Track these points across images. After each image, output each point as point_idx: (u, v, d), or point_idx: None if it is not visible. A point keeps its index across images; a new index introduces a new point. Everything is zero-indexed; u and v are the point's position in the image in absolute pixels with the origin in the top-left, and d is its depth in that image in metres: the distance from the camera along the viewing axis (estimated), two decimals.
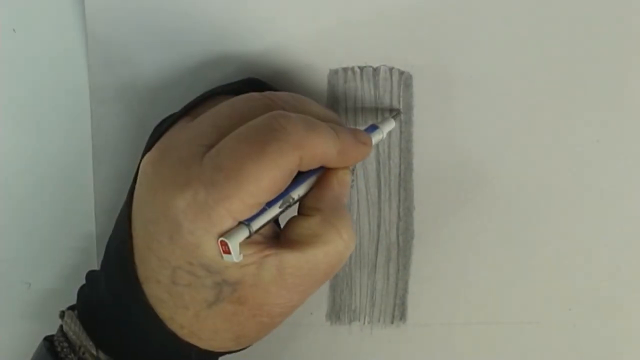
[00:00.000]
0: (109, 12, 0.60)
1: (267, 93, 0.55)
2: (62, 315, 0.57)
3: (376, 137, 0.57)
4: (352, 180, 0.62)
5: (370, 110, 0.62)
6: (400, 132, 0.62)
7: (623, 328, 0.66)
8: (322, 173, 0.54)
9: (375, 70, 0.61)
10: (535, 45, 0.61)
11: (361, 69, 0.61)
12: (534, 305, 0.66)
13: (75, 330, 0.56)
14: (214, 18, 0.60)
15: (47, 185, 0.64)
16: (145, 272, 0.52)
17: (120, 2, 0.60)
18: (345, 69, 0.61)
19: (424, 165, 0.63)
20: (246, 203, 0.49)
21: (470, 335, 0.66)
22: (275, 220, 0.52)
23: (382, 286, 0.66)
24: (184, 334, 0.53)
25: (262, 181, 0.48)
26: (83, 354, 0.55)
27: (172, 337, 0.53)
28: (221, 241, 0.48)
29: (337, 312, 0.66)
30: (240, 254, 0.48)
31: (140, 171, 0.53)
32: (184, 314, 0.52)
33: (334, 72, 0.61)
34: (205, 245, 0.49)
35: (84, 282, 0.58)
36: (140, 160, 0.54)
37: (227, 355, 0.56)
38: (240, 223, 0.49)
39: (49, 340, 0.57)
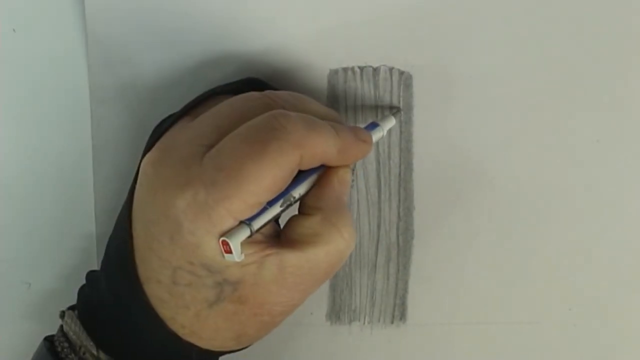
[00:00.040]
0: (109, 12, 0.60)
1: (267, 92, 0.55)
2: (62, 315, 0.57)
3: (376, 135, 0.57)
4: (352, 180, 0.62)
5: (370, 109, 0.62)
6: (400, 132, 0.62)
7: (623, 328, 0.66)
8: (323, 172, 0.54)
9: (375, 70, 0.61)
10: (535, 45, 0.61)
11: (361, 69, 0.61)
12: (534, 305, 0.66)
13: (75, 330, 0.56)
14: (214, 18, 0.60)
15: (47, 185, 0.64)
16: (145, 272, 0.52)
17: (120, 2, 0.60)
18: (345, 69, 0.61)
19: (424, 165, 0.63)
20: (247, 203, 0.49)
21: (470, 335, 0.66)
22: (275, 219, 0.52)
23: (382, 286, 0.66)
24: (185, 333, 0.53)
25: (262, 181, 0.48)
26: (83, 354, 0.55)
27: (173, 337, 0.53)
28: (222, 241, 0.48)
29: (337, 312, 0.66)
30: (241, 253, 0.48)
31: (140, 171, 0.53)
32: (184, 313, 0.52)
33: (334, 72, 0.61)
34: (206, 245, 0.49)
35: (84, 282, 0.58)
36: (141, 161, 0.54)
37: (228, 355, 0.56)
38: (241, 222, 0.49)
39: (49, 340, 0.57)
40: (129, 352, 0.55)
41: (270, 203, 0.50)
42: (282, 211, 0.51)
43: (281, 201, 0.51)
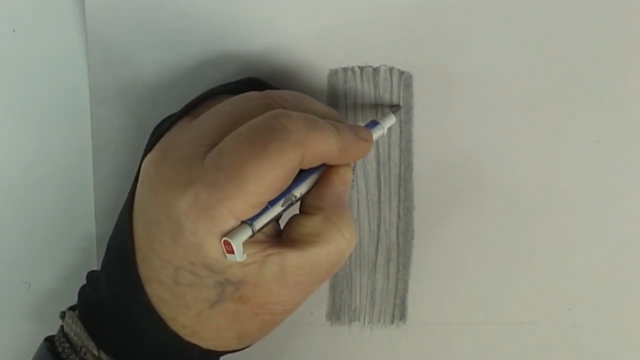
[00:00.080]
0: (109, 12, 0.60)
1: (267, 92, 0.55)
2: (62, 315, 0.57)
3: (377, 133, 0.57)
4: (352, 180, 0.62)
5: (370, 108, 0.62)
6: (400, 132, 0.62)
7: (623, 328, 0.66)
8: (324, 171, 0.54)
9: (375, 70, 0.61)
10: (535, 45, 0.61)
11: (361, 69, 0.61)
12: (534, 305, 0.66)
13: (76, 331, 0.56)
14: (214, 18, 0.60)
15: (47, 186, 0.64)
16: (147, 272, 0.52)
17: (120, 2, 0.60)
18: (345, 69, 0.61)
19: (424, 165, 0.63)
20: (248, 203, 0.49)
21: (470, 335, 0.66)
22: (277, 219, 0.52)
23: (382, 286, 0.66)
24: (186, 333, 0.53)
25: (264, 180, 0.48)
26: (84, 354, 0.55)
27: (174, 337, 0.53)
28: (224, 241, 0.48)
29: (337, 312, 0.66)
30: (243, 253, 0.49)
31: (141, 171, 0.53)
32: (186, 313, 0.52)
33: (334, 72, 0.61)
34: (207, 245, 0.49)
35: (84, 282, 0.58)
36: (141, 161, 0.54)
37: (228, 355, 0.56)
38: (243, 222, 0.49)
39: (49, 340, 0.57)
40: (130, 352, 0.55)
41: (272, 203, 0.50)
42: (284, 211, 0.51)
43: (282, 201, 0.51)
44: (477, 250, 0.65)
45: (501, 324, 0.66)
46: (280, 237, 0.53)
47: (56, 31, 0.62)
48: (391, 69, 0.61)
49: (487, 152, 0.63)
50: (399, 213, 0.64)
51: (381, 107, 0.62)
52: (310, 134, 0.50)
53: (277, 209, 0.51)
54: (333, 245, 0.52)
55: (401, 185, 0.64)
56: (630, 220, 0.64)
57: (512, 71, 0.61)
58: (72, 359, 0.55)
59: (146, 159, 0.53)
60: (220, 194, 0.48)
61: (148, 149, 0.55)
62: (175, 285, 0.51)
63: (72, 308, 0.58)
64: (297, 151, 0.49)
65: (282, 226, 0.54)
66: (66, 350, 0.55)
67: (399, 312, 0.66)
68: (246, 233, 0.49)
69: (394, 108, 0.61)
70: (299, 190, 0.52)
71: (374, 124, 0.58)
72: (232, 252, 0.48)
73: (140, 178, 0.53)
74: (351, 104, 0.62)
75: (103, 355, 0.55)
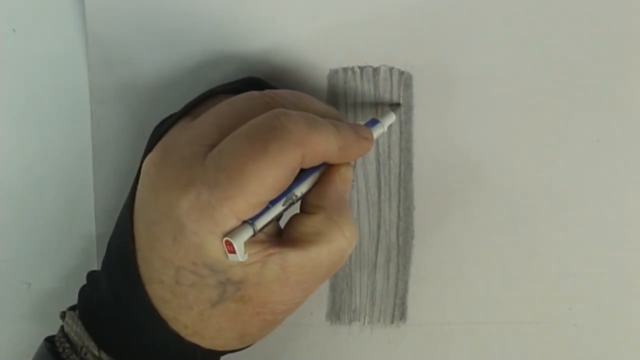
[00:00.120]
0: (109, 12, 0.60)
1: (267, 91, 0.55)
2: (62, 315, 0.57)
3: (377, 132, 0.57)
4: (353, 180, 0.62)
5: (370, 108, 0.62)
6: (400, 132, 0.62)
7: (623, 328, 0.66)
8: (324, 170, 0.54)
9: (375, 70, 0.61)
10: (535, 45, 0.61)
11: (361, 69, 0.61)
12: (534, 305, 0.66)
13: (76, 331, 0.56)
14: (214, 18, 0.60)
15: (47, 186, 0.64)
16: (148, 272, 0.52)
17: (120, 2, 0.60)
18: (345, 69, 0.61)
19: (424, 165, 0.63)
20: (249, 202, 0.49)
21: (470, 335, 0.66)
22: (278, 218, 0.52)
23: (382, 286, 0.66)
24: (188, 333, 0.53)
25: (264, 180, 0.49)
26: (85, 354, 0.55)
27: (175, 337, 0.53)
28: (226, 241, 0.48)
29: (337, 312, 0.66)
30: (245, 253, 0.49)
31: (142, 172, 0.53)
32: (187, 313, 0.52)
33: (334, 72, 0.61)
34: (209, 245, 0.49)
35: (84, 282, 0.58)
36: (141, 161, 0.54)
37: (228, 355, 0.56)
38: (244, 222, 0.49)
39: (50, 340, 0.57)
40: (131, 352, 0.55)
41: (273, 202, 0.50)
42: (285, 210, 0.51)
43: (283, 200, 0.51)
44: (477, 250, 0.65)
45: (501, 324, 0.66)
46: (281, 236, 0.53)
47: (56, 31, 0.62)
48: (391, 69, 0.61)
49: (487, 152, 0.63)
50: (399, 213, 0.64)
51: (381, 106, 0.62)
52: (310, 133, 0.50)
53: (278, 208, 0.51)
54: (334, 245, 0.52)
55: (401, 185, 0.64)
56: (630, 220, 0.64)
57: (512, 71, 0.61)
58: (73, 359, 0.55)
59: (147, 159, 0.53)
60: (222, 194, 0.48)
61: (148, 149, 0.55)
62: (177, 285, 0.51)
63: (72, 308, 0.58)
64: (297, 150, 0.49)
65: (282, 225, 0.54)
66: (67, 351, 0.55)
67: (399, 312, 0.66)
68: (247, 233, 0.49)
69: (394, 106, 0.61)
70: (300, 190, 0.52)
71: (374, 122, 0.58)
72: (233, 252, 0.48)
73: (140, 178, 0.53)
74: (351, 104, 0.62)
75: (104, 355, 0.55)
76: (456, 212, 0.64)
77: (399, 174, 0.63)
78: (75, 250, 0.65)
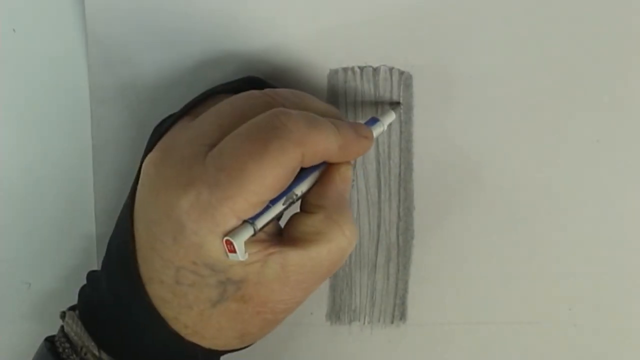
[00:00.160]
0: (109, 12, 0.60)
1: (267, 90, 0.55)
2: (62, 315, 0.57)
3: (377, 130, 0.57)
4: (352, 180, 0.62)
5: (370, 108, 0.62)
6: (400, 132, 0.62)
7: (623, 328, 0.66)
8: (324, 169, 0.54)
9: (375, 70, 0.61)
10: (535, 45, 0.61)
11: (361, 69, 0.61)
12: (534, 305, 0.66)
13: (76, 331, 0.56)
14: (214, 18, 0.60)
15: (47, 186, 0.64)
16: (148, 272, 0.52)
17: (120, 2, 0.60)
18: (345, 69, 0.61)
19: (424, 165, 0.63)
20: (250, 202, 0.49)
21: (470, 335, 0.66)
22: (278, 217, 0.52)
23: (382, 286, 0.66)
24: (188, 333, 0.53)
25: (265, 180, 0.49)
26: (85, 354, 0.55)
27: (175, 337, 0.53)
28: (226, 240, 0.48)
29: (337, 312, 0.66)
30: (245, 252, 0.49)
31: (142, 172, 0.53)
32: (188, 313, 0.52)
33: (334, 72, 0.61)
34: (209, 245, 0.49)
35: (84, 282, 0.58)
36: (141, 161, 0.54)
37: (228, 355, 0.56)
38: (245, 222, 0.49)
39: (50, 340, 0.57)
40: (131, 352, 0.55)
41: (273, 201, 0.50)
42: (285, 209, 0.51)
43: (284, 199, 0.51)
44: (477, 250, 0.65)
45: (501, 324, 0.66)
46: (282, 235, 0.53)
47: (56, 31, 0.62)
48: (391, 69, 0.61)
49: (487, 152, 0.63)
50: (399, 213, 0.64)
51: (381, 106, 0.62)
52: (310, 132, 0.50)
53: (278, 207, 0.51)
54: (334, 244, 0.52)
55: (401, 185, 0.64)
56: (630, 220, 0.64)
57: (512, 71, 0.61)
58: (73, 359, 0.55)
59: (147, 159, 0.53)
60: (222, 193, 0.48)
61: (148, 149, 0.55)
62: (177, 285, 0.51)
63: (72, 308, 0.58)
64: (297, 150, 0.49)
65: (282, 225, 0.54)
66: (67, 351, 0.55)
67: (399, 312, 0.66)
68: (248, 232, 0.49)
69: (394, 105, 0.61)
70: (300, 189, 0.52)
71: (373, 121, 0.58)
72: (234, 251, 0.48)
73: (140, 178, 0.53)
74: (351, 104, 0.62)
75: (104, 355, 0.55)
76: (456, 212, 0.64)
77: (399, 174, 0.63)
78: (75, 250, 0.65)
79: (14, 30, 0.62)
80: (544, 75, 0.61)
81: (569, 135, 0.63)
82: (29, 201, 0.64)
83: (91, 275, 0.58)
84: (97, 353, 0.55)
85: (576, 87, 0.62)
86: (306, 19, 0.60)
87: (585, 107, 0.62)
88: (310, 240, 0.52)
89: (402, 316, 0.66)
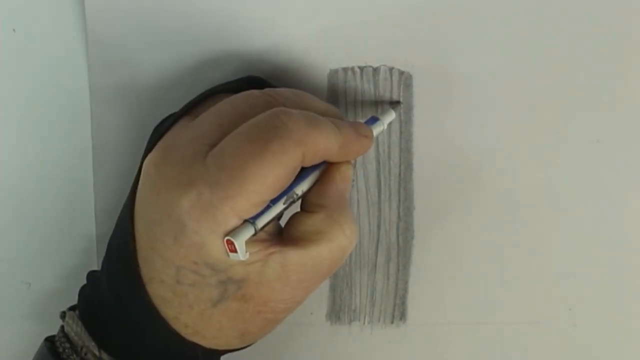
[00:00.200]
0: (109, 12, 0.60)
1: (267, 90, 0.55)
2: (63, 315, 0.57)
3: (377, 129, 0.57)
4: (352, 180, 0.62)
5: (370, 108, 0.62)
6: (400, 132, 0.62)
7: (623, 328, 0.66)
8: (325, 168, 0.54)
9: (375, 70, 0.61)
10: (535, 45, 0.61)
11: (361, 69, 0.61)
12: (534, 305, 0.66)
13: (77, 331, 0.55)
14: (214, 18, 0.60)
15: (47, 186, 0.64)
16: (148, 272, 0.52)
17: (120, 2, 0.60)
18: (345, 69, 0.61)
19: (424, 165, 0.63)
20: (251, 202, 0.49)
21: (470, 335, 0.66)
22: (278, 217, 0.52)
23: (382, 286, 0.66)
24: (188, 333, 0.53)
25: (266, 179, 0.49)
26: (85, 354, 0.55)
27: (176, 337, 0.53)
28: (227, 240, 0.48)
29: (337, 312, 0.66)
30: (246, 252, 0.48)
31: (142, 172, 0.53)
32: (188, 313, 0.52)
33: (334, 72, 0.61)
34: (210, 244, 0.49)
35: (84, 282, 0.58)
36: (142, 161, 0.54)
37: (228, 355, 0.56)
38: (246, 221, 0.49)
39: (50, 340, 0.57)
40: (131, 352, 0.55)
41: (274, 201, 0.50)
42: (285, 209, 0.52)
43: (284, 199, 0.51)
44: (477, 250, 0.65)
45: (501, 324, 0.66)
46: (282, 235, 0.53)
47: (56, 31, 0.62)
48: (391, 69, 0.61)
49: (487, 152, 0.63)
50: (399, 213, 0.64)
51: (381, 105, 0.62)
52: (311, 132, 0.50)
53: (279, 207, 0.51)
54: (335, 243, 0.52)
55: (401, 185, 0.64)
56: (630, 220, 0.64)
57: (512, 71, 0.61)
58: (73, 359, 0.55)
59: (147, 159, 0.53)
60: (223, 193, 0.48)
61: (148, 149, 0.55)
62: (178, 284, 0.51)
63: (72, 308, 0.58)
64: (298, 149, 0.49)
65: (283, 224, 0.54)
66: (67, 351, 0.55)
67: (399, 312, 0.66)
68: (249, 232, 0.49)
69: (394, 104, 0.61)
70: (301, 188, 0.52)
71: (373, 120, 0.58)
72: (235, 251, 0.48)
73: (141, 178, 0.53)
74: (351, 104, 0.62)
75: (104, 355, 0.55)
76: (456, 212, 0.64)
77: (399, 174, 0.63)
78: (75, 250, 0.65)
79: (14, 30, 0.62)
80: (544, 75, 0.61)
81: (569, 135, 0.63)
82: (29, 201, 0.64)
83: (91, 275, 0.58)
84: (97, 353, 0.55)
85: (576, 87, 0.62)
86: (306, 19, 0.60)
87: (585, 107, 0.62)
88: (311, 240, 0.52)
89: (402, 316, 0.66)
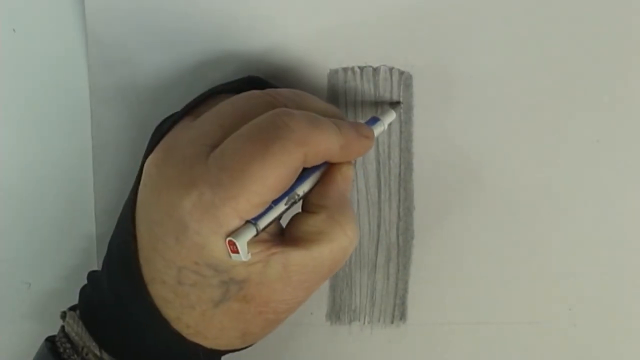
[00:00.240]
0: (109, 12, 0.60)
1: (268, 90, 0.55)
2: (63, 315, 0.57)
3: (377, 129, 0.57)
4: (353, 180, 0.62)
5: (370, 108, 0.62)
6: (400, 132, 0.62)
7: (623, 328, 0.66)
8: (326, 169, 0.54)
9: (375, 70, 0.61)
10: (535, 45, 0.61)
11: (361, 69, 0.61)
12: (534, 305, 0.66)
13: (77, 331, 0.55)
14: (214, 18, 0.60)
15: (47, 186, 0.64)
16: (150, 272, 0.52)
17: (120, 2, 0.60)
18: (345, 69, 0.61)
19: (424, 165, 0.63)
20: (252, 202, 0.49)
21: (470, 335, 0.66)
22: (280, 217, 0.52)
23: (382, 286, 0.66)
24: (190, 333, 0.53)
25: (267, 180, 0.49)
26: (86, 354, 0.55)
27: (177, 337, 0.53)
28: (229, 241, 0.48)
29: (337, 312, 0.66)
30: (247, 252, 0.48)
31: (144, 172, 0.53)
32: (190, 313, 0.52)
33: (334, 72, 0.61)
34: (211, 245, 0.49)
35: (84, 282, 0.58)
36: (142, 161, 0.54)
37: (228, 355, 0.56)
38: (247, 222, 0.49)
39: (50, 341, 0.57)
40: (133, 352, 0.54)
41: (275, 202, 0.50)
42: (287, 209, 0.51)
43: (286, 199, 0.51)
44: (477, 250, 0.65)
45: (501, 324, 0.66)
46: (283, 235, 0.53)
47: (56, 31, 0.62)
48: (391, 69, 0.61)
49: (487, 152, 0.63)
50: (399, 213, 0.64)
51: (381, 105, 0.62)
52: (312, 132, 0.50)
53: (280, 207, 0.51)
54: (336, 244, 0.52)
55: (401, 185, 0.64)
56: (630, 220, 0.64)
57: (512, 71, 0.61)
58: (74, 359, 0.55)
59: (148, 159, 0.53)
60: (225, 194, 0.48)
61: (149, 149, 0.55)
62: (179, 285, 0.51)
63: (72, 308, 0.58)
64: (300, 150, 0.49)
65: (284, 225, 0.54)
66: (67, 351, 0.55)
67: (399, 312, 0.66)
68: (250, 232, 0.49)
69: (394, 104, 0.61)
70: (302, 189, 0.52)
71: (374, 120, 0.58)
72: (236, 251, 0.48)
73: (142, 179, 0.53)
74: (351, 104, 0.62)
75: (105, 355, 0.55)
76: (456, 212, 0.64)
77: (399, 174, 0.63)
78: (75, 250, 0.65)
79: (14, 30, 0.62)
80: (544, 75, 0.61)
81: (569, 135, 0.63)
82: (29, 201, 0.64)
83: (92, 275, 0.58)
84: (98, 353, 0.55)
85: (576, 87, 0.62)
86: (306, 19, 0.60)
87: (585, 107, 0.62)
88: (312, 240, 0.52)
89: (402, 316, 0.66)
